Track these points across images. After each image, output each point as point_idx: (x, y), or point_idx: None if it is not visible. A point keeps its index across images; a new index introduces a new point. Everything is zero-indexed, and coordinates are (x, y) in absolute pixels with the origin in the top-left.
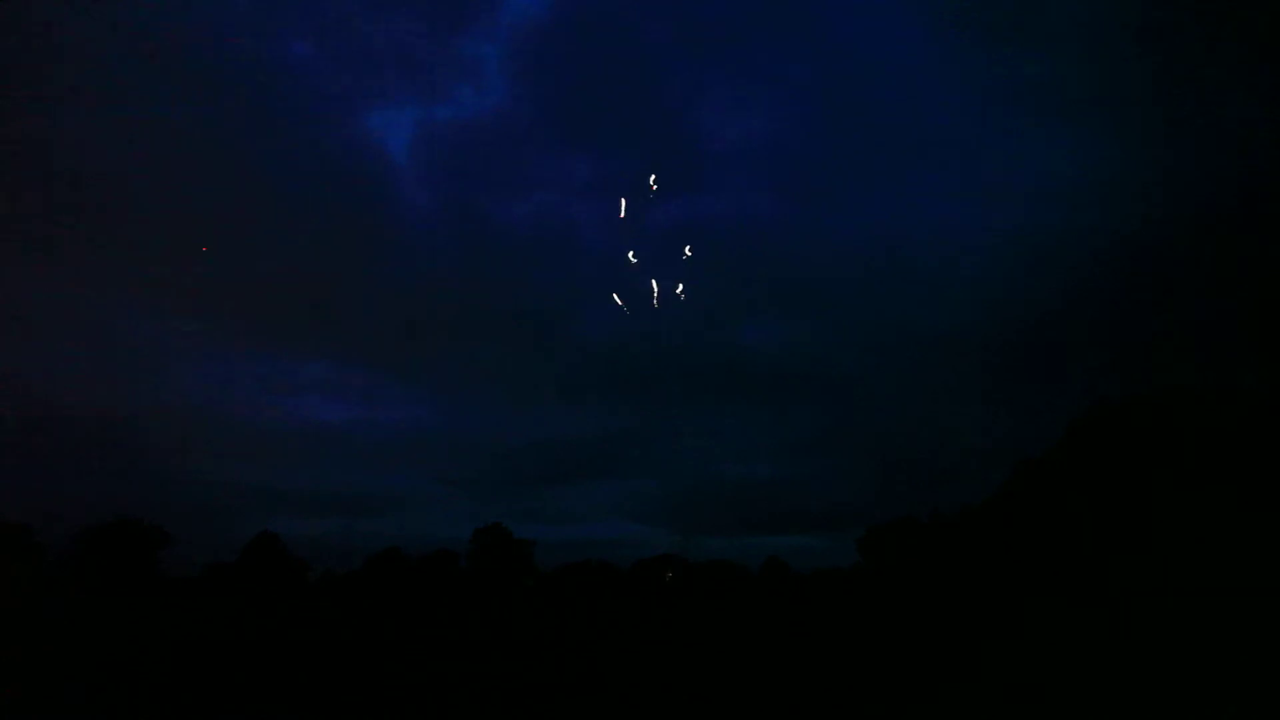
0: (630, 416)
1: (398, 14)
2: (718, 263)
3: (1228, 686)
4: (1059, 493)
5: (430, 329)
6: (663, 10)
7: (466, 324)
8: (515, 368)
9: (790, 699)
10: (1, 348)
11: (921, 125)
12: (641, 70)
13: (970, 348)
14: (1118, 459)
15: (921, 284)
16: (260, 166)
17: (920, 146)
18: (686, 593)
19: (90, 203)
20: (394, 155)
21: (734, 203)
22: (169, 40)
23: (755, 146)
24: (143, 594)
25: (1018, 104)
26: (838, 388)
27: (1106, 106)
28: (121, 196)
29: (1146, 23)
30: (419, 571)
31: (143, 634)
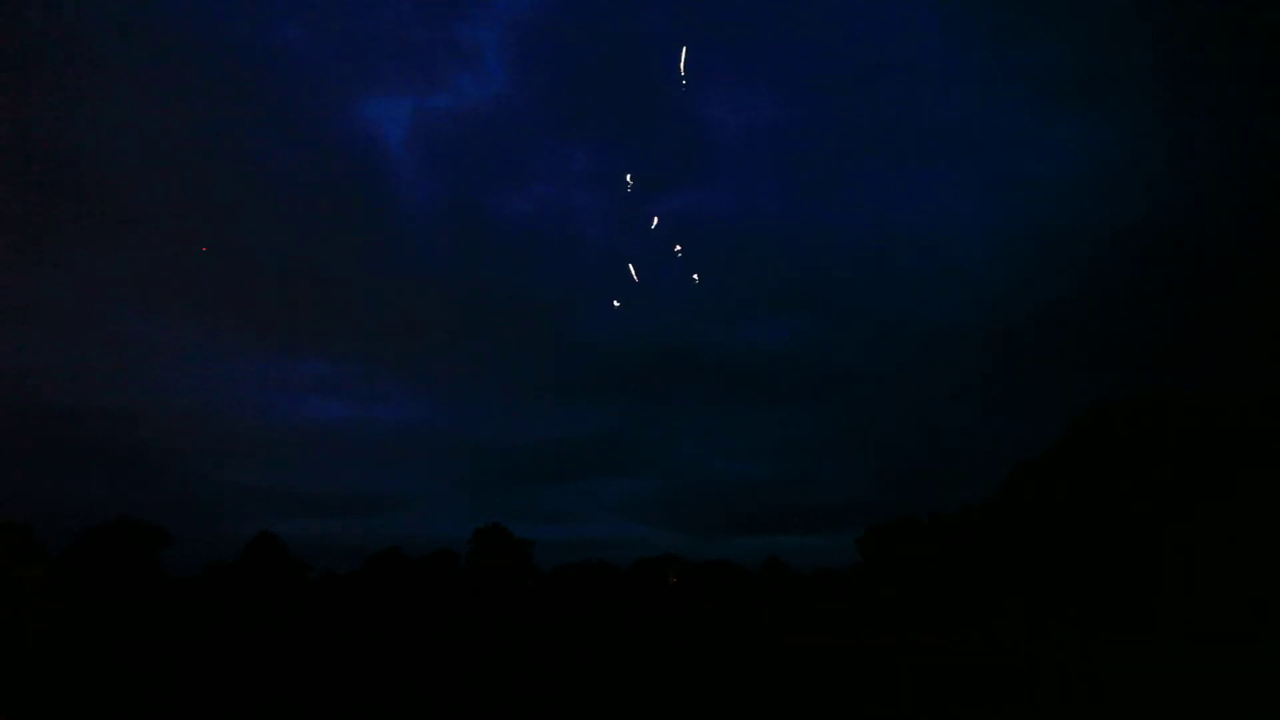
0: (630, 416)
1: None
2: (719, 258)
3: (1228, 687)
4: (1059, 493)
5: (429, 326)
6: None
7: (466, 321)
8: (515, 366)
9: (790, 699)
10: (2, 348)
11: (926, 117)
12: (643, 59)
13: (970, 347)
14: (1118, 459)
15: (923, 281)
16: (254, 160)
17: (925, 139)
18: (687, 592)
19: (89, 202)
20: (391, 146)
21: (735, 196)
22: (159, 29)
23: (757, 138)
24: (143, 594)
25: (1023, 97)
26: (838, 387)
27: (1112, 99)
28: (120, 195)
29: (1153, 14)
30: (419, 571)
31: (143, 634)
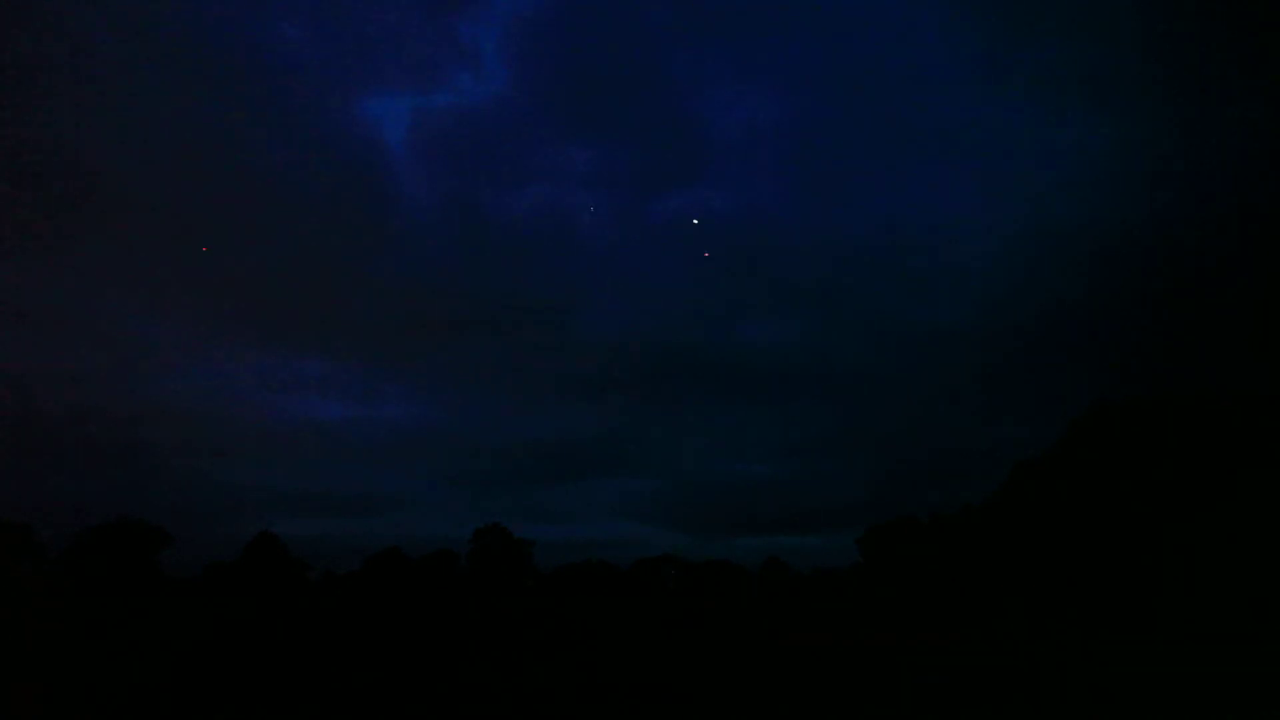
0: (630, 416)
1: None
2: (719, 257)
3: (1228, 687)
4: (1059, 493)
5: (429, 325)
6: None
7: (466, 320)
8: (515, 366)
9: (790, 699)
10: (2, 348)
11: (928, 117)
12: (644, 58)
13: (971, 347)
14: (1118, 459)
15: (924, 281)
16: (254, 160)
17: (926, 139)
18: (686, 592)
19: (89, 202)
20: (391, 144)
21: (736, 195)
22: (160, 28)
23: (759, 137)
24: (143, 594)
25: (1024, 97)
26: (838, 387)
27: (1113, 99)
28: (120, 195)
29: (1154, 14)
30: (419, 571)
31: (143, 634)
